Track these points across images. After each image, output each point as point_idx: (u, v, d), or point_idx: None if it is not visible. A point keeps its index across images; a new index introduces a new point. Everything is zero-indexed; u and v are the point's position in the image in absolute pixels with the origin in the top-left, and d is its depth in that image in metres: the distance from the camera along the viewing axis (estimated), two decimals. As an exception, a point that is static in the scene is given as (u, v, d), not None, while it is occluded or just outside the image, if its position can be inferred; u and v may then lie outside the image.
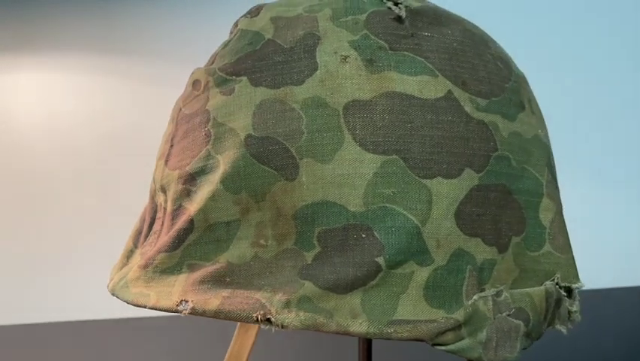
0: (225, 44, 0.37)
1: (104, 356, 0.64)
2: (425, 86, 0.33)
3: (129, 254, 0.38)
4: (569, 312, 0.37)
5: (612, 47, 0.94)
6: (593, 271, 0.92)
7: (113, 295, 0.36)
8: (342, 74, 0.32)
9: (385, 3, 0.35)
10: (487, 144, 0.33)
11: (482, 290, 0.33)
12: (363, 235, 0.31)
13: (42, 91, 0.72)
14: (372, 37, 0.33)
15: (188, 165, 0.34)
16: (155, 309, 0.33)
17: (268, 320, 0.30)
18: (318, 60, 0.33)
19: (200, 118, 0.35)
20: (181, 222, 0.34)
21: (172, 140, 0.37)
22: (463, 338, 0.31)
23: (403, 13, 0.34)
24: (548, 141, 0.39)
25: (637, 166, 0.95)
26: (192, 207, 0.33)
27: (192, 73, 0.37)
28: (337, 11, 0.35)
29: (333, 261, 0.31)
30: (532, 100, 0.39)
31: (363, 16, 0.34)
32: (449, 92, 0.33)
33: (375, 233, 0.31)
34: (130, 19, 0.73)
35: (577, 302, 0.38)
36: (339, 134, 0.31)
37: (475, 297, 0.32)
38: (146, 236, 0.38)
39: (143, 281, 0.34)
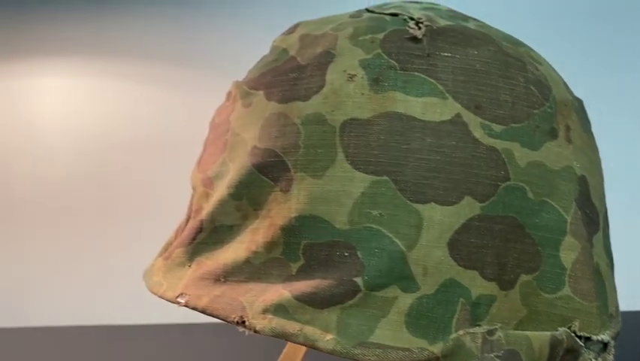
0: (261, 60, 0.39)
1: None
2: (430, 108, 0.32)
3: (168, 246, 0.42)
4: None
5: (603, 50, 0.86)
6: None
7: (144, 280, 0.40)
8: (345, 92, 0.33)
9: (407, 22, 0.34)
10: (496, 173, 0.31)
11: (477, 326, 0.31)
12: (346, 253, 0.31)
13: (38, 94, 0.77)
14: (385, 56, 0.33)
15: (209, 170, 0.37)
16: (162, 298, 0.36)
17: (243, 323, 0.31)
18: (327, 78, 0.33)
19: (224, 127, 0.37)
20: (196, 221, 0.36)
21: (205, 145, 0.40)
22: None
23: (419, 34, 0.33)
24: (591, 174, 0.35)
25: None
26: (206, 208, 0.36)
27: (232, 84, 0.40)
28: (358, 30, 0.35)
29: (315, 275, 0.31)
30: (573, 128, 0.35)
31: (381, 35, 0.34)
32: (457, 115, 0.32)
33: (358, 253, 0.31)
34: (132, 22, 0.77)
35: (608, 356, 0.34)
36: (332, 151, 0.32)
37: (461, 332, 0.30)
38: (182, 231, 0.41)
39: (163, 272, 0.37)
